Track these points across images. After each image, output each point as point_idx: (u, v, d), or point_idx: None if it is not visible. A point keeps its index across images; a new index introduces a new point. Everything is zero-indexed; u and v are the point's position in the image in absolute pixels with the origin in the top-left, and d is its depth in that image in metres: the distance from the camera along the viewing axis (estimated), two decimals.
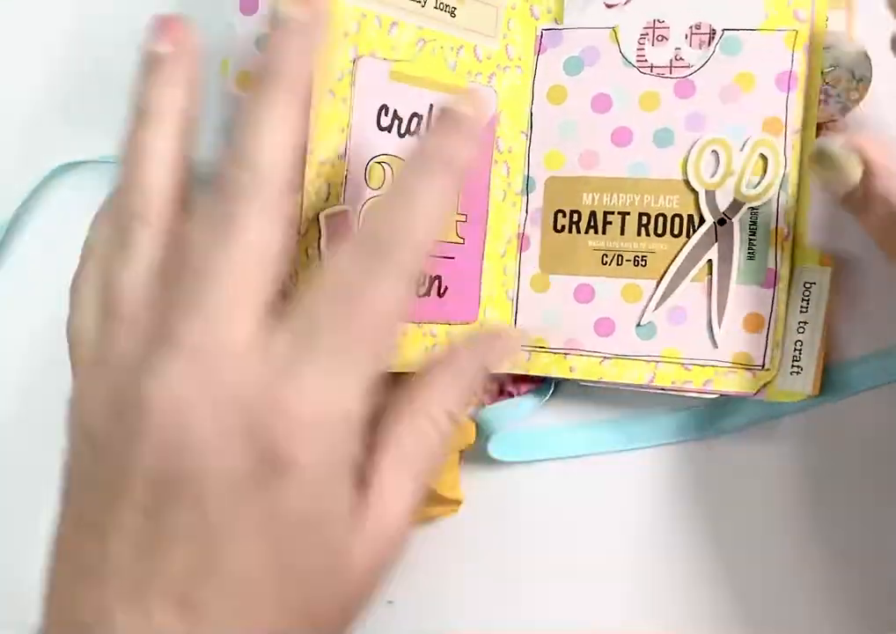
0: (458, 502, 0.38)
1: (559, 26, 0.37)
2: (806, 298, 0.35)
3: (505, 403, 0.38)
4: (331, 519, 0.27)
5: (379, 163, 0.34)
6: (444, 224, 0.30)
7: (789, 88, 0.35)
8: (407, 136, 0.35)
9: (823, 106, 0.36)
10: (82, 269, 0.29)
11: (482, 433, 0.38)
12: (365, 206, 0.34)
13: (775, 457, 0.38)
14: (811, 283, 0.35)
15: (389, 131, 0.34)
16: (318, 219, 0.33)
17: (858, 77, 0.36)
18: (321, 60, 0.30)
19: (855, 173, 0.31)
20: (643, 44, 0.36)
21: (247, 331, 0.26)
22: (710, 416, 0.38)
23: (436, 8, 0.35)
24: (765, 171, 0.35)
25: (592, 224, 0.36)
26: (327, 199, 0.33)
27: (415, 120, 0.35)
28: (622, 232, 0.36)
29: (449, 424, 0.30)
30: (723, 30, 0.35)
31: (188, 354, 0.26)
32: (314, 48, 0.29)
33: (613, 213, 0.36)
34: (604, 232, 0.36)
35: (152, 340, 0.26)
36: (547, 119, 0.37)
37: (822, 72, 0.36)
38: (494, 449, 0.38)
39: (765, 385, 0.35)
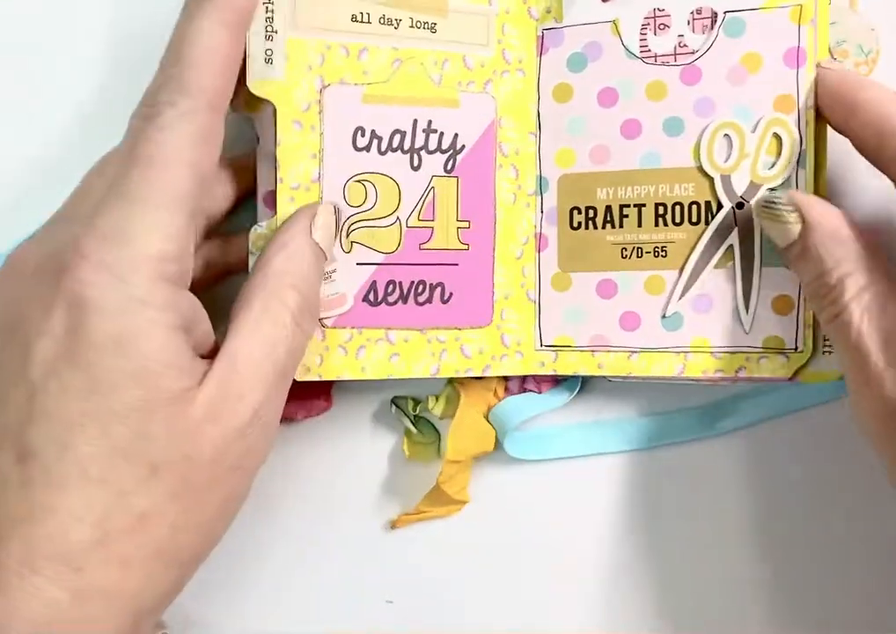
0: (464, 502, 0.38)
1: (559, 25, 0.37)
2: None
3: (525, 398, 0.37)
4: (142, 355, 0.28)
5: (359, 181, 0.35)
6: None
7: (798, 64, 0.34)
8: (389, 152, 0.35)
9: None
10: None
11: (500, 430, 0.38)
12: (350, 221, 0.35)
13: (775, 458, 0.38)
14: None
15: (368, 150, 0.35)
16: None
17: (867, 50, 0.36)
18: None
19: (794, 229, 0.32)
20: (645, 34, 0.36)
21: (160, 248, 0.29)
22: (711, 417, 0.38)
23: (412, 27, 0.35)
24: (780, 150, 0.34)
25: (609, 218, 0.36)
26: None
27: (398, 136, 0.35)
28: (640, 224, 0.36)
29: (299, 313, 0.31)
30: (725, 12, 0.35)
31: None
32: None
33: (629, 206, 0.36)
34: (621, 226, 0.36)
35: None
36: (554, 118, 0.37)
37: (829, 48, 0.35)
38: (511, 447, 0.38)
39: (800, 368, 0.34)
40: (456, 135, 0.36)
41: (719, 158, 0.35)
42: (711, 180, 0.35)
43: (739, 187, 0.35)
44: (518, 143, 0.37)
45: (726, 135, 0.35)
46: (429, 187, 0.36)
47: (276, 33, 0.33)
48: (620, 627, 0.38)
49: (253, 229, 0.33)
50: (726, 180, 0.35)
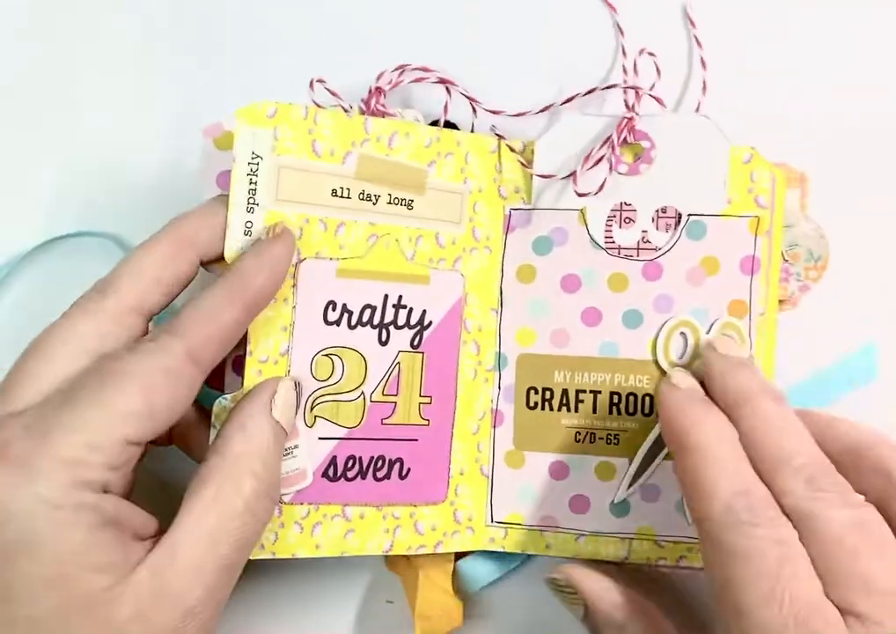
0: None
1: (527, 207, 0.38)
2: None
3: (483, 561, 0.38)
4: (56, 560, 0.27)
5: (327, 355, 0.35)
6: None
7: (752, 271, 0.36)
8: (359, 326, 0.35)
9: (783, 284, 0.38)
10: None
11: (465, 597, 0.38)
12: (315, 394, 0.35)
13: None
14: None
15: (338, 324, 0.35)
16: None
17: (816, 255, 0.38)
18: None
19: (578, 611, 0.34)
20: (611, 226, 0.37)
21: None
22: None
23: (389, 204, 0.35)
24: None
25: (565, 401, 0.37)
26: None
27: (368, 311, 0.35)
28: (594, 410, 0.37)
29: (255, 500, 0.31)
30: (689, 215, 0.36)
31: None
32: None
33: (585, 391, 0.37)
34: (576, 410, 0.37)
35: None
36: (517, 297, 0.38)
37: (782, 251, 0.37)
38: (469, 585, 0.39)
39: None
40: (424, 311, 0.36)
41: (674, 354, 0.36)
42: (666, 374, 0.36)
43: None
44: (481, 319, 0.38)
45: (682, 333, 0.36)
46: (395, 363, 0.36)
47: (258, 205, 0.33)
48: None
49: (217, 402, 0.33)
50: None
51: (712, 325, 0.36)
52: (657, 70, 0.37)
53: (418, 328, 0.36)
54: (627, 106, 0.36)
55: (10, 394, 0.30)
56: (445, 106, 0.38)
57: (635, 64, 0.38)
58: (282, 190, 0.33)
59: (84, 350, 0.30)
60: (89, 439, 0.28)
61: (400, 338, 0.36)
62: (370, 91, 0.37)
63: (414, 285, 0.36)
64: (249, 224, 0.33)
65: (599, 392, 0.37)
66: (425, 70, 0.37)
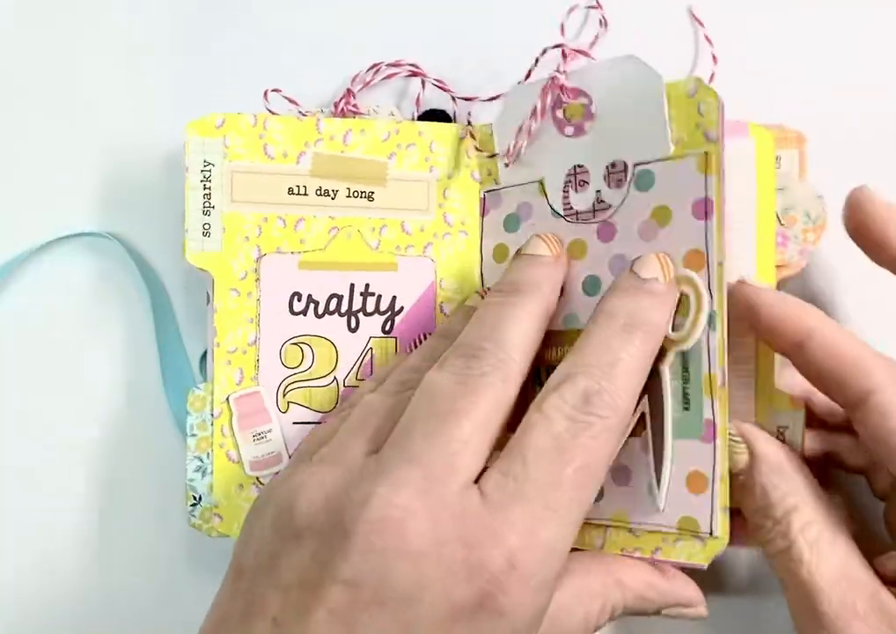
0: None
1: (498, 187, 0.37)
2: (780, 441, 0.33)
3: None
4: None
5: (296, 344, 0.36)
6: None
7: (706, 216, 0.31)
8: (326, 316, 0.36)
9: (781, 248, 0.36)
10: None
11: None
12: (287, 381, 0.36)
13: None
14: (783, 427, 0.33)
15: (304, 314, 0.36)
16: (228, 401, 0.36)
17: (814, 218, 0.35)
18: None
19: (741, 460, 0.32)
20: (567, 192, 0.35)
21: (473, 467, 0.29)
22: None
23: (349, 197, 0.37)
24: (687, 311, 0.31)
25: (538, 379, 0.35)
26: (240, 383, 0.36)
27: (335, 300, 0.36)
28: None
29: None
30: (635, 165, 0.33)
31: (421, 470, 0.28)
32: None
33: (553, 366, 0.34)
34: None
35: (390, 451, 0.29)
36: (495, 277, 0.36)
37: (777, 215, 0.35)
38: None
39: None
40: (394, 297, 0.37)
41: None
42: None
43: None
44: (460, 302, 0.37)
45: None
46: (367, 348, 0.37)
47: (214, 208, 0.36)
48: None
49: (191, 390, 0.36)
50: None
51: None
52: (602, 22, 0.35)
53: (389, 313, 0.37)
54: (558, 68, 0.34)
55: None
56: (418, 99, 0.38)
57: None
58: (237, 192, 0.36)
59: None
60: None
61: (371, 324, 0.37)
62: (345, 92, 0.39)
63: (382, 273, 0.37)
64: (207, 226, 0.36)
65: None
66: (396, 65, 0.39)
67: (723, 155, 0.31)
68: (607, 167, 0.34)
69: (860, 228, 0.32)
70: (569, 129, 0.35)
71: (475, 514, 0.27)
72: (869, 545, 0.32)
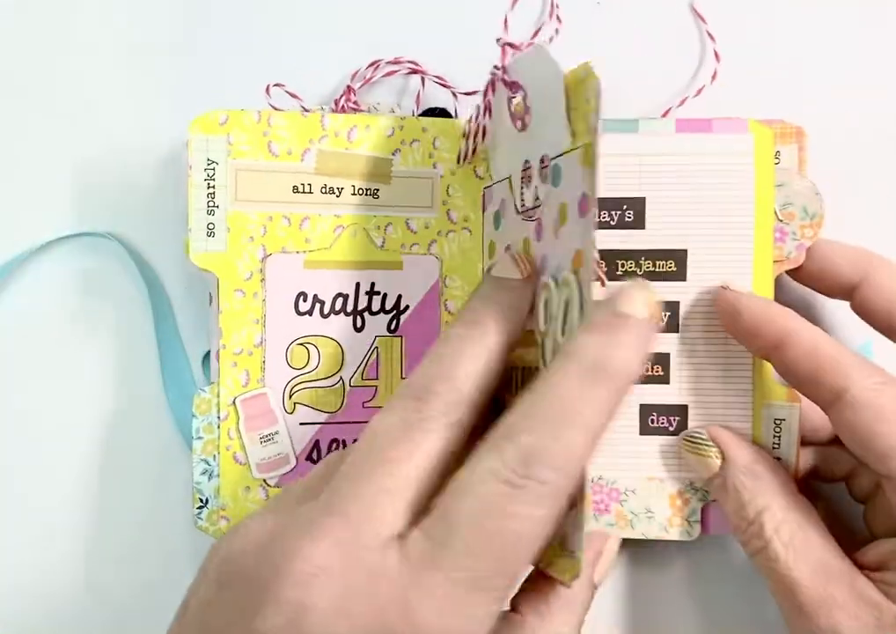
0: None
1: (491, 183, 0.36)
2: (777, 434, 0.35)
3: None
4: None
5: (301, 344, 0.36)
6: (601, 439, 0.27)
7: (584, 213, 0.28)
8: (332, 315, 0.36)
9: (779, 244, 0.36)
10: None
11: None
12: (293, 382, 0.36)
13: None
14: (780, 420, 0.35)
15: (310, 314, 0.36)
16: (235, 403, 0.36)
17: (811, 213, 0.36)
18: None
19: (714, 464, 0.35)
20: (523, 188, 0.33)
21: (399, 522, 0.27)
22: None
23: (354, 194, 0.37)
24: (566, 313, 0.29)
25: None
26: (246, 384, 0.36)
27: (340, 299, 0.36)
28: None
29: None
30: (550, 159, 0.31)
31: (343, 522, 0.26)
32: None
33: (518, 368, 0.33)
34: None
35: (324, 497, 0.28)
36: None
37: (775, 210, 0.35)
38: None
39: None
40: (399, 296, 0.37)
41: (542, 321, 0.31)
42: (540, 345, 0.31)
43: (549, 355, 0.30)
44: (464, 299, 0.37)
45: (545, 298, 0.31)
46: (373, 347, 0.37)
47: (218, 207, 0.36)
48: None
49: (196, 393, 0.36)
50: (544, 346, 0.31)
51: (560, 283, 0.30)
52: (552, 14, 0.34)
53: (394, 312, 0.37)
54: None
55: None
56: (418, 96, 0.38)
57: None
58: (241, 191, 0.36)
59: None
60: None
61: (376, 323, 0.37)
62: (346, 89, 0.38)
63: (387, 271, 0.37)
64: (211, 226, 0.36)
65: (515, 367, 0.33)
66: (396, 62, 0.38)
67: (597, 146, 0.28)
68: (541, 161, 0.32)
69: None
70: (519, 124, 0.33)
71: (390, 577, 0.26)
72: (849, 543, 0.33)
